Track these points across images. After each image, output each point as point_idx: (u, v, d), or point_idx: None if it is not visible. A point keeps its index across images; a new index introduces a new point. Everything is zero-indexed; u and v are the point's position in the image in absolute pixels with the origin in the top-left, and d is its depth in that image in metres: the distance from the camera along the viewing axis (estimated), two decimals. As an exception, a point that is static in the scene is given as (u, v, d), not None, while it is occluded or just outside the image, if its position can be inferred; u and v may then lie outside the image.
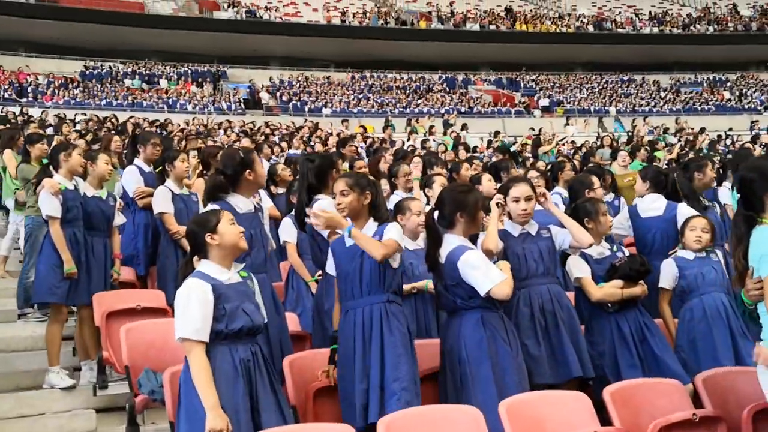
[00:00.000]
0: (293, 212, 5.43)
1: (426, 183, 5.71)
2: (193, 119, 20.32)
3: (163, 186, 5.69)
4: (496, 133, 19.51)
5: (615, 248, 4.33)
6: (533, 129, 21.00)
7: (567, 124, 23.75)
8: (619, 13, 38.78)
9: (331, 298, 3.94)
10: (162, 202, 5.60)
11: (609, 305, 4.05)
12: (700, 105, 30.90)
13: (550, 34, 36.07)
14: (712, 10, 39.65)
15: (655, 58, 36.39)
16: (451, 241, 3.62)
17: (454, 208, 3.63)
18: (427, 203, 5.63)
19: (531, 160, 12.15)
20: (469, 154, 12.00)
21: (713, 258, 4.51)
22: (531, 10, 38.57)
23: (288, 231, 5.33)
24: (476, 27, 35.48)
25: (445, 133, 18.08)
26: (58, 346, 5.09)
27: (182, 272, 3.24)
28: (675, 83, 35.47)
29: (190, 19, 32.35)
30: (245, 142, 10.07)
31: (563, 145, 16.87)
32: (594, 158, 11.43)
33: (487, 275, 3.49)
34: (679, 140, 19.98)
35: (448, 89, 32.62)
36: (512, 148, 14.10)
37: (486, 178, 6.36)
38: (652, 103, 31.22)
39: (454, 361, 3.57)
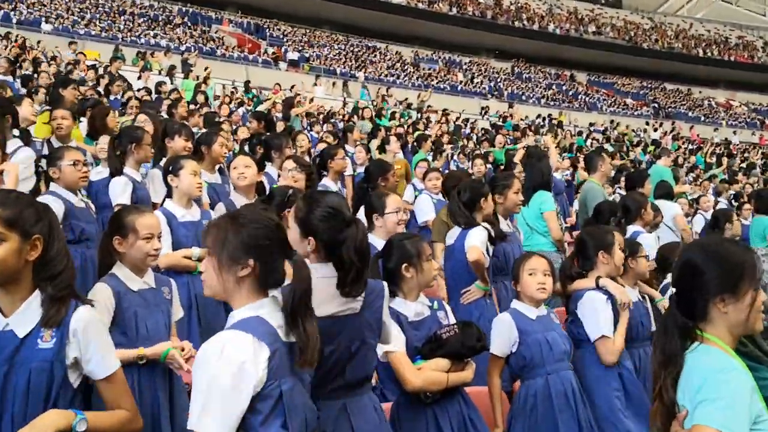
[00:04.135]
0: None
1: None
2: None
3: None
4: (247, 84, 17.85)
5: (436, 305, 3.10)
6: (279, 84, 19.65)
7: (315, 84, 22.76)
8: (371, -23, 38.54)
9: None
10: None
11: (428, 394, 2.84)
12: (437, 83, 31.72)
13: (302, -16, 34.74)
14: (454, -8, 41.16)
15: (399, 30, 36.78)
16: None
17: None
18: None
19: (282, 122, 10.90)
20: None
21: (553, 318, 3.46)
22: (285, -45, 36.75)
23: None
24: (225, -39, 32.95)
25: (186, 76, 16.00)
26: None
27: None
28: (415, 57, 36.23)
29: None
30: None
31: (318, 109, 15.78)
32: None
33: None
34: (422, 117, 19.93)
35: (189, 24, 29.82)
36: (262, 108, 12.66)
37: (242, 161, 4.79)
38: (396, 75, 31.42)
39: None
